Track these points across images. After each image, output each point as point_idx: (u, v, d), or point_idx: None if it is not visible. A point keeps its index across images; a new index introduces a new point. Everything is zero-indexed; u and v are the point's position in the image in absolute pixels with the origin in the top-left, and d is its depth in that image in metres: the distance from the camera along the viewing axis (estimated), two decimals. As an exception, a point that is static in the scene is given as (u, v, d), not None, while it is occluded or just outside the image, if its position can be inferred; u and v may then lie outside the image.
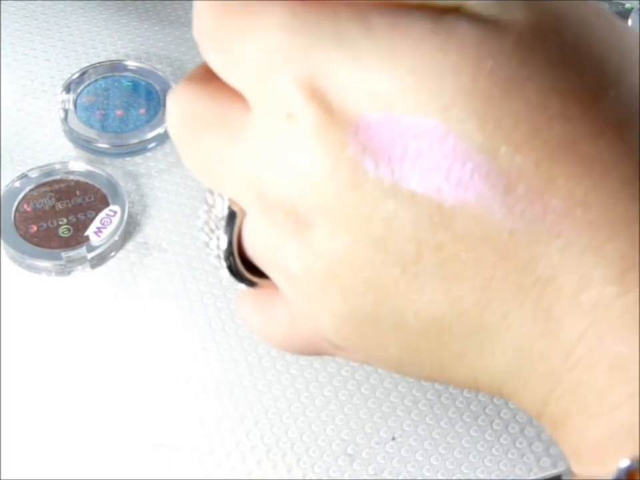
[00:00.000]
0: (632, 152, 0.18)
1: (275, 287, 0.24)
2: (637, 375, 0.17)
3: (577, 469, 0.19)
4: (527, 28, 0.19)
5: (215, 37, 0.22)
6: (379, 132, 0.19)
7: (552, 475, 0.38)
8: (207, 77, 0.22)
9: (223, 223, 0.23)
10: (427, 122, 0.19)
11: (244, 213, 0.23)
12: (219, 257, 0.24)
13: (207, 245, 0.24)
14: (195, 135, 0.23)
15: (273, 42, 0.20)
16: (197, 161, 0.23)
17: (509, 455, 0.38)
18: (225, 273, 0.24)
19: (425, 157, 0.19)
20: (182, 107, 0.23)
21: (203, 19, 0.22)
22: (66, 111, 0.50)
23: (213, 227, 0.24)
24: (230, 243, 0.23)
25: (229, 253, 0.23)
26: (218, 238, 0.23)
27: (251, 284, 0.25)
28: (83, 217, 0.45)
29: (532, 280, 0.19)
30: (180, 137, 0.23)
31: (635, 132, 0.19)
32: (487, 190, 0.18)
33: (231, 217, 0.23)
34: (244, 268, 0.24)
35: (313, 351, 0.24)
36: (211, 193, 0.24)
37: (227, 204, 0.23)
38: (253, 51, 0.20)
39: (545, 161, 0.18)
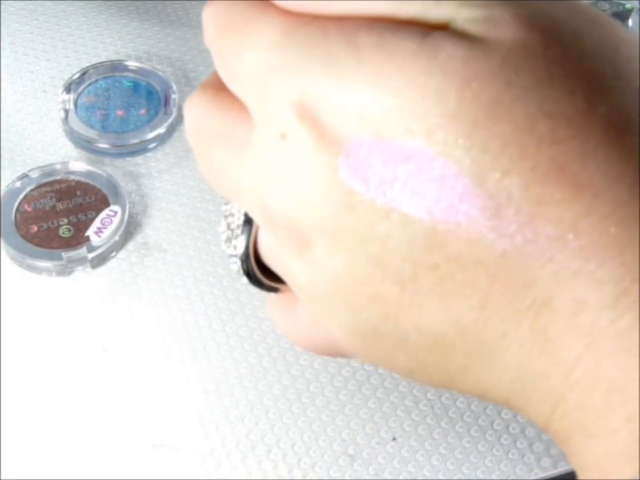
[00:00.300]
0: (624, 173, 0.18)
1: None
2: (633, 399, 0.18)
3: None
4: (514, 46, 0.19)
5: (217, 49, 0.22)
6: (369, 155, 0.19)
7: (552, 475, 0.38)
8: (218, 84, 0.23)
9: (238, 231, 0.24)
10: (414, 145, 0.19)
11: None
12: (237, 263, 0.24)
13: (229, 254, 0.25)
14: (206, 147, 0.23)
15: (264, 62, 0.20)
16: (209, 171, 0.24)
17: (510, 455, 0.38)
18: (244, 279, 0.24)
19: (415, 181, 0.19)
20: (195, 118, 0.23)
21: (207, 27, 0.22)
22: (66, 111, 0.50)
23: (231, 234, 0.24)
24: (246, 248, 0.24)
25: (245, 258, 0.24)
26: (235, 247, 0.24)
27: (270, 289, 0.25)
28: (84, 217, 0.45)
29: (528, 302, 0.19)
30: (195, 147, 0.24)
31: (628, 151, 0.18)
32: (477, 213, 0.18)
33: (247, 223, 0.23)
34: (263, 274, 0.24)
35: (336, 353, 0.24)
36: (228, 201, 0.24)
37: (243, 211, 0.24)
38: (248, 69, 0.21)
39: (534, 185, 0.18)
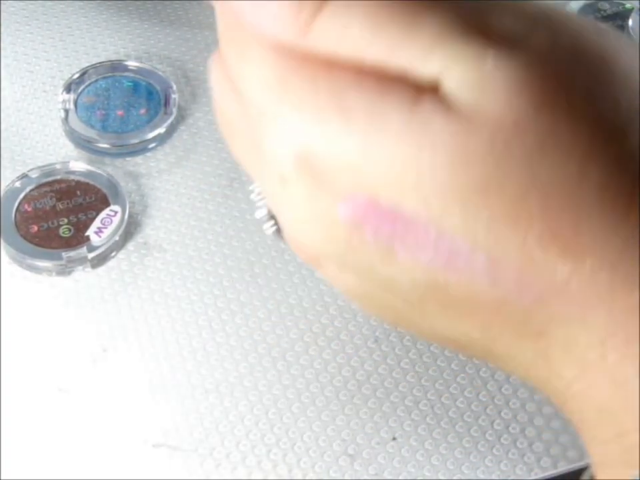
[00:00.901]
0: (615, 233, 0.19)
1: None
2: (621, 423, 0.19)
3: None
4: (504, 119, 0.18)
5: (224, 58, 0.22)
6: (368, 209, 0.20)
7: (552, 475, 0.38)
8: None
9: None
10: (410, 210, 0.19)
11: None
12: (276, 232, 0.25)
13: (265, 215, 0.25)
14: (228, 132, 0.25)
15: (259, 101, 0.21)
16: (232, 147, 0.25)
17: (510, 455, 0.38)
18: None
19: (412, 238, 0.20)
20: (217, 96, 0.24)
21: (219, 24, 0.22)
22: (66, 111, 0.50)
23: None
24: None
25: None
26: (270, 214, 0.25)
27: None
28: (84, 217, 0.45)
29: (527, 331, 0.20)
30: (219, 125, 0.25)
31: (620, 212, 0.19)
32: (473, 269, 0.19)
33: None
34: None
35: None
36: None
37: None
38: (249, 93, 0.21)
39: (526, 248, 0.19)
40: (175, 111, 0.50)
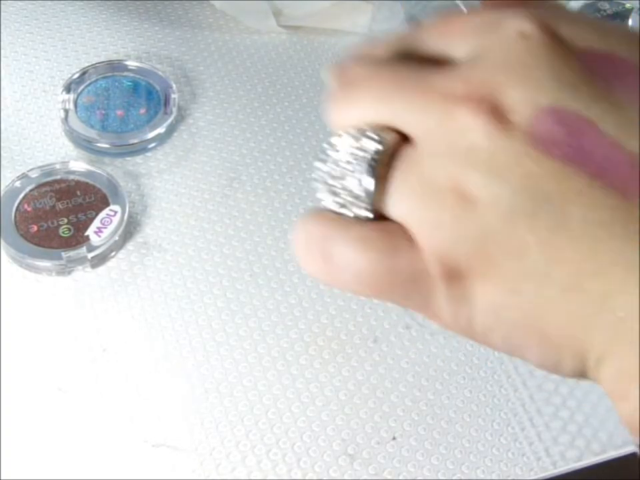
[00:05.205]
0: None
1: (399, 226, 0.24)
2: None
3: None
4: None
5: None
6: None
7: (552, 475, 0.38)
8: None
9: (369, 160, 0.24)
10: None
11: (399, 143, 0.24)
12: (355, 200, 0.24)
13: (333, 191, 0.24)
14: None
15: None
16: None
17: (509, 455, 0.38)
18: (362, 212, 0.24)
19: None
20: None
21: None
22: (66, 111, 0.50)
23: (348, 169, 0.24)
24: (377, 178, 0.24)
25: (373, 189, 0.24)
26: (359, 180, 0.24)
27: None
28: (84, 217, 0.45)
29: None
30: None
31: None
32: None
33: (386, 146, 0.24)
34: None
35: (418, 292, 0.24)
36: (355, 134, 0.24)
37: (383, 136, 0.24)
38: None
39: None
40: (174, 110, 0.50)
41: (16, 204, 0.45)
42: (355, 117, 0.25)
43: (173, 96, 0.50)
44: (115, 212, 0.45)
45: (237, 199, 0.47)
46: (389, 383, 0.40)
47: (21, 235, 0.44)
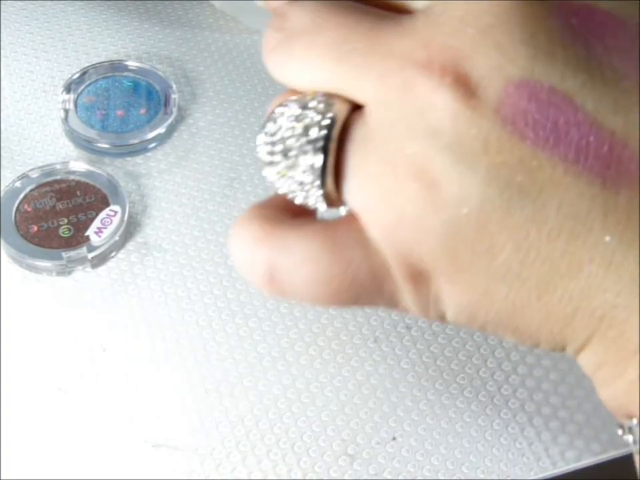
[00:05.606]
0: None
1: (349, 222, 0.22)
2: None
3: None
4: None
5: None
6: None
7: (552, 475, 0.38)
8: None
9: (322, 132, 0.20)
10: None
11: (350, 111, 0.21)
12: (304, 182, 0.21)
13: (283, 170, 0.21)
14: None
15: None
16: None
17: (509, 455, 0.39)
18: (316, 193, 0.21)
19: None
20: None
21: None
22: (66, 111, 0.50)
23: (293, 147, 0.21)
24: (326, 155, 0.20)
25: (323, 170, 0.21)
26: (315, 149, 0.21)
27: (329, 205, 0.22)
28: (84, 217, 0.45)
29: None
30: None
31: None
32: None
33: (334, 118, 0.20)
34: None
35: (371, 289, 0.22)
36: (301, 103, 0.21)
37: (332, 106, 0.20)
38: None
39: None
40: (174, 111, 0.50)
41: (16, 204, 0.45)
42: (296, 77, 0.21)
43: (173, 96, 0.51)
44: (115, 212, 0.45)
45: (237, 199, 0.47)
46: (389, 383, 0.40)
47: (21, 235, 0.44)
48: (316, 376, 0.41)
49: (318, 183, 0.21)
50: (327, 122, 0.20)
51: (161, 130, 0.49)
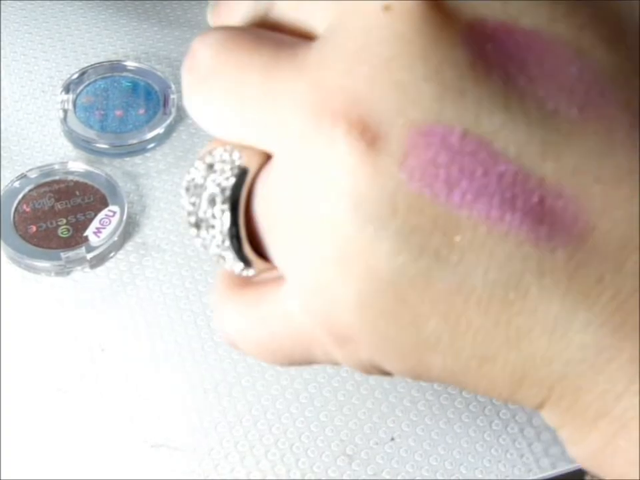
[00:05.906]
0: None
1: (271, 279, 0.21)
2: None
3: None
4: None
5: None
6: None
7: (551, 476, 0.38)
8: None
9: (227, 193, 0.19)
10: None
11: (261, 164, 0.19)
12: (216, 237, 0.21)
13: (198, 223, 0.21)
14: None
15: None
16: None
17: (508, 456, 0.39)
18: (227, 252, 0.20)
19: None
20: None
21: None
22: (65, 111, 0.50)
23: (207, 211, 0.20)
24: (236, 211, 0.19)
25: (233, 226, 0.20)
26: (222, 212, 0.20)
27: (247, 265, 0.21)
28: (82, 217, 0.45)
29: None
30: None
31: None
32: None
33: (242, 175, 0.19)
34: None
35: (302, 352, 0.20)
36: (209, 161, 0.20)
37: (237, 161, 0.19)
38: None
39: None
40: (173, 111, 0.50)
41: (15, 204, 0.45)
42: (211, 125, 0.20)
43: (172, 96, 0.51)
44: (114, 212, 0.45)
45: (236, 200, 0.47)
46: (387, 383, 0.40)
47: (20, 236, 0.44)
48: (314, 376, 0.41)
49: (228, 244, 0.20)
50: (231, 182, 0.19)
51: (160, 130, 0.49)
